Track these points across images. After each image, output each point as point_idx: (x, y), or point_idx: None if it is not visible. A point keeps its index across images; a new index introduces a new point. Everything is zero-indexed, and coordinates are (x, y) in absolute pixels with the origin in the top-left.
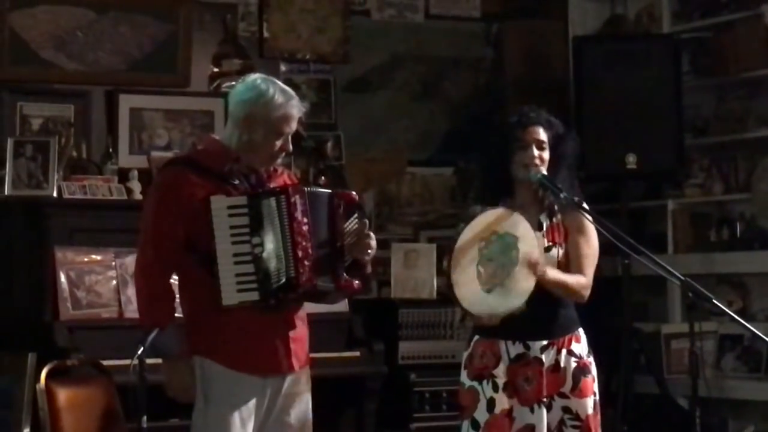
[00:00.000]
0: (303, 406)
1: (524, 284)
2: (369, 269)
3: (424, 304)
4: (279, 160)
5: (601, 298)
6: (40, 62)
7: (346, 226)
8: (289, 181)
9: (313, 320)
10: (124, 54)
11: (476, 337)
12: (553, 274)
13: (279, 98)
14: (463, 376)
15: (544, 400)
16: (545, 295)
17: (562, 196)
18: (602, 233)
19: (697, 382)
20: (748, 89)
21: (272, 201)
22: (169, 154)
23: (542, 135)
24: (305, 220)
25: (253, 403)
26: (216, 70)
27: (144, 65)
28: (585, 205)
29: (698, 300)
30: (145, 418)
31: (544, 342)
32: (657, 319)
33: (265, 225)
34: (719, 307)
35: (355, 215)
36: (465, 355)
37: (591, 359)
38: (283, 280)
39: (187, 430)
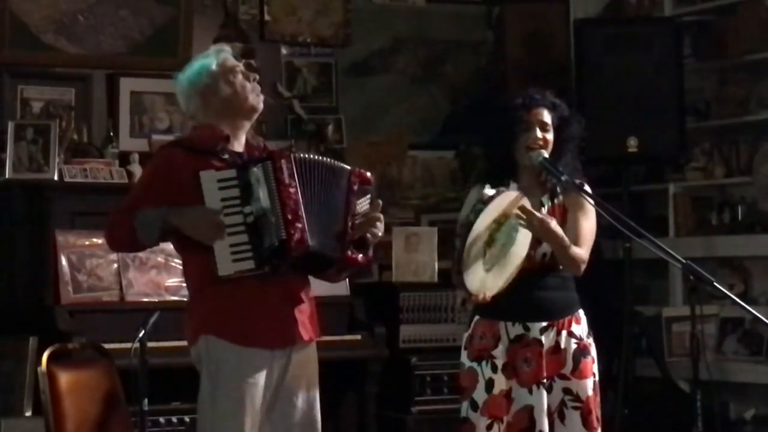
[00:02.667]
0: (311, 388)
1: (515, 262)
2: (371, 252)
3: (425, 287)
4: (261, 97)
5: (603, 281)
6: (41, 46)
7: (358, 203)
8: None
9: (315, 303)
10: (124, 37)
11: (476, 318)
12: (554, 225)
13: (202, 59)
14: (463, 357)
15: (544, 381)
16: (545, 277)
17: (563, 178)
18: (603, 216)
19: (698, 365)
20: (749, 72)
21: (259, 168)
22: (169, 138)
23: (546, 117)
24: (293, 183)
25: (262, 381)
26: None
27: (145, 48)
28: (587, 188)
29: (699, 283)
30: (146, 401)
31: (544, 323)
32: (658, 302)
33: (254, 194)
34: (720, 290)
35: (368, 195)
36: (465, 335)
37: (591, 340)
38: (276, 243)
39: (188, 413)
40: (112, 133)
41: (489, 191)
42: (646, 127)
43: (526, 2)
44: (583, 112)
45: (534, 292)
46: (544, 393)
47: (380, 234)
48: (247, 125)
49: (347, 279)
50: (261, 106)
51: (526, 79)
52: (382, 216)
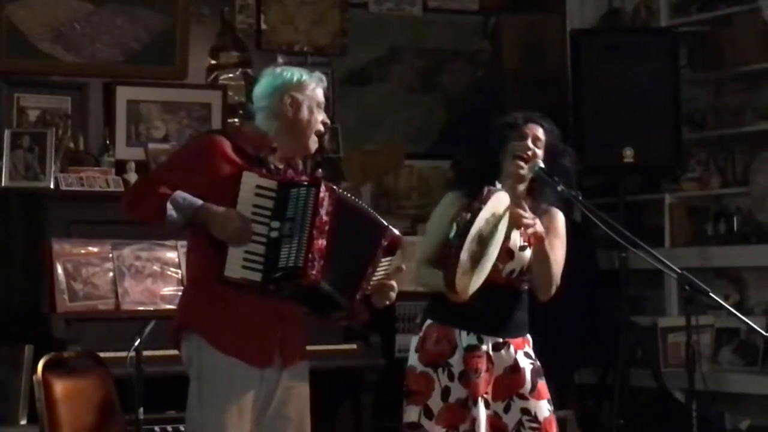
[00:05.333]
0: (302, 400)
1: (489, 265)
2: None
3: (421, 296)
4: (316, 145)
5: (598, 291)
6: (38, 54)
7: (382, 261)
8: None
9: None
10: (121, 46)
11: (429, 322)
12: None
13: (306, 75)
14: (414, 360)
15: (485, 395)
16: (507, 294)
17: (559, 188)
18: (599, 227)
19: (694, 375)
20: (745, 83)
21: (302, 191)
22: (166, 146)
23: (540, 134)
24: (327, 218)
25: (252, 394)
26: (213, 62)
27: (141, 57)
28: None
29: (695, 293)
30: (141, 409)
31: (499, 339)
32: (654, 313)
33: (287, 213)
34: (716, 300)
35: (392, 258)
36: (416, 338)
37: (539, 363)
38: (289, 267)
39: (183, 422)
40: (108, 142)
41: (491, 188)
42: (642, 137)
43: (523, 12)
44: (580, 123)
45: (494, 307)
46: (482, 407)
47: (389, 303)
48: (290, 156)
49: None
50: (313, 150)
51: (523, 89)
52: (396, 285)
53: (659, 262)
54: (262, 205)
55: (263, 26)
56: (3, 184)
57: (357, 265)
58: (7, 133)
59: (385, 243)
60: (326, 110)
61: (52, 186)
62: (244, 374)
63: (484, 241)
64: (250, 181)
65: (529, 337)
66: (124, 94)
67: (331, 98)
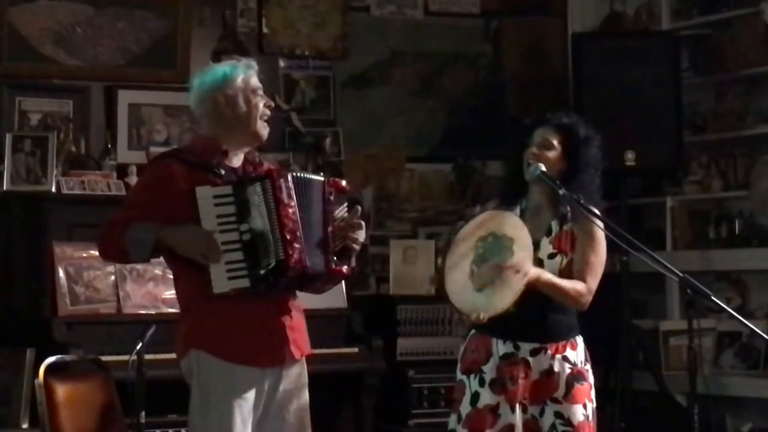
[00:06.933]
0: (302, 403)
1: (514, 286)
2: (354, 261)
3: (423, 300)
4: (267, 129)
5: (600, 294)
6: (39, 57)
7: (336, 212)
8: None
9: (312, 316)
10: (123, 49)
11: (472, 332)
12: (546, 277)
13: (230, 68)
14: (457, 369)
15: (524, 401)
16: (542, 299)
17: (561, 192)
18: (601, 230)
19: (696, 379)
20: (747, 86)
21: (257, 186)
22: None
23: (550, 136)
24: (292, 202)
25: (252, 398)
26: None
27: (143, 61)
28: (593, 210)
29: (697, 297)
30: (143, 413)
31: (536, 345)
32: (655, 316)
33: (252, 211)
34: (718, 303)
35: (345, 204)
36: (461, 349)
37: (588, 367)
38: (273, 263)
39: (184, 425)
40: (110, 145)
41: (476, 210)
42: (643, 140)
43: (524, 15)
44: None
45: (529, 313)
46: (519, 413)
47: (362, 240)
48: (247, 148)
49: (344, 292)
50: (265, 136)
51: (524, 93)
52: (362, 222)
53: (661, 266)
54: (225, 212)
55: (265, 30)
56: (5, 187)
57: (320, 229)
58: (8, 137)
59: (331, 196)
60: (327, 114)
61: (53, 190)
62: (245, 378)
63: (486, 261)
64: (204, 194)
65: (576, 340)
66: (125, 98)
67: (333, 101)
